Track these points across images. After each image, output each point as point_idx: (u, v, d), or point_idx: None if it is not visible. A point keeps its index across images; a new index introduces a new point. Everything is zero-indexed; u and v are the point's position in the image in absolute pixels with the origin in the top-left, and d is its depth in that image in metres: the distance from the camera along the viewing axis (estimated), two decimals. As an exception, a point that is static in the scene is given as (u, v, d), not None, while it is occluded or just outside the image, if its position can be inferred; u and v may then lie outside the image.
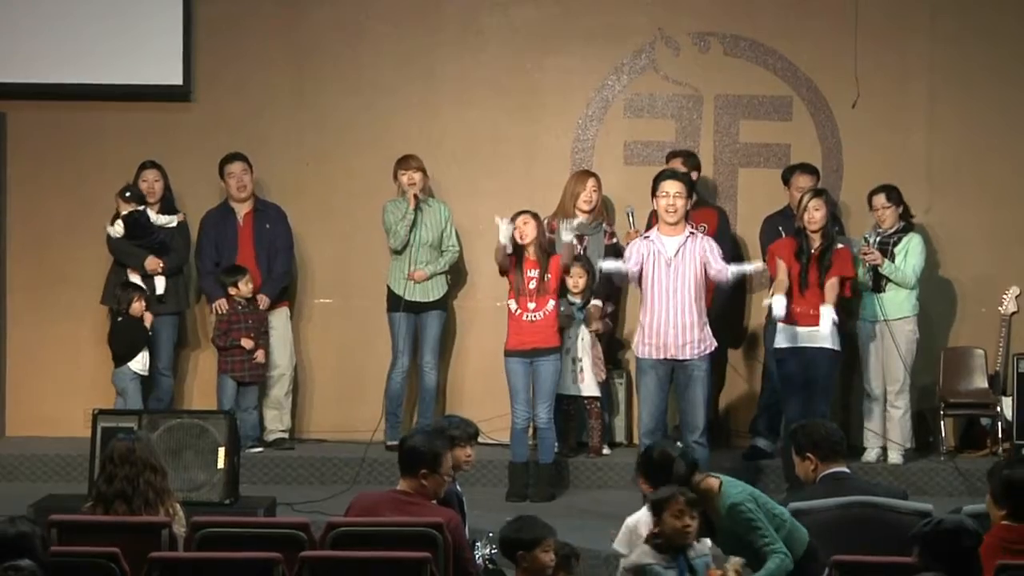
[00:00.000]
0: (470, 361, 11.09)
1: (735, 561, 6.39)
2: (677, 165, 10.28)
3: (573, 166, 10.98)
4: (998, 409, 10.64)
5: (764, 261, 10.01)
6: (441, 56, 11.16)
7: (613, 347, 10.87)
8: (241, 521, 6.94)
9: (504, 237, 9.78)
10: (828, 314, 9.47)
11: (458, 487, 7.17)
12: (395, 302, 10.58)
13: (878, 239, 10.36)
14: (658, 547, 6.25)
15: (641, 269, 9.26)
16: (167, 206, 10.79)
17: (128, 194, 10.55)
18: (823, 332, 9.53)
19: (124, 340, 10.43)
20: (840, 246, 9.78)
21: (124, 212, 10.52)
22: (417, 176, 10.56)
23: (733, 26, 11.08)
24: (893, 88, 11.05)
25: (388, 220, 10.58)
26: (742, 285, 10.93)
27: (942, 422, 10.66)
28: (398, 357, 10.60)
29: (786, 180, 10.61)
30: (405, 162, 10.60)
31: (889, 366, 10.36)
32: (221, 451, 8.93)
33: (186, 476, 8.80)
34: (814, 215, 9.65)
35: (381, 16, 11.17)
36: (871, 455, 10.40)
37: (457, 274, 11.00)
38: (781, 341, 9.77)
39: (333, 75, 11.17)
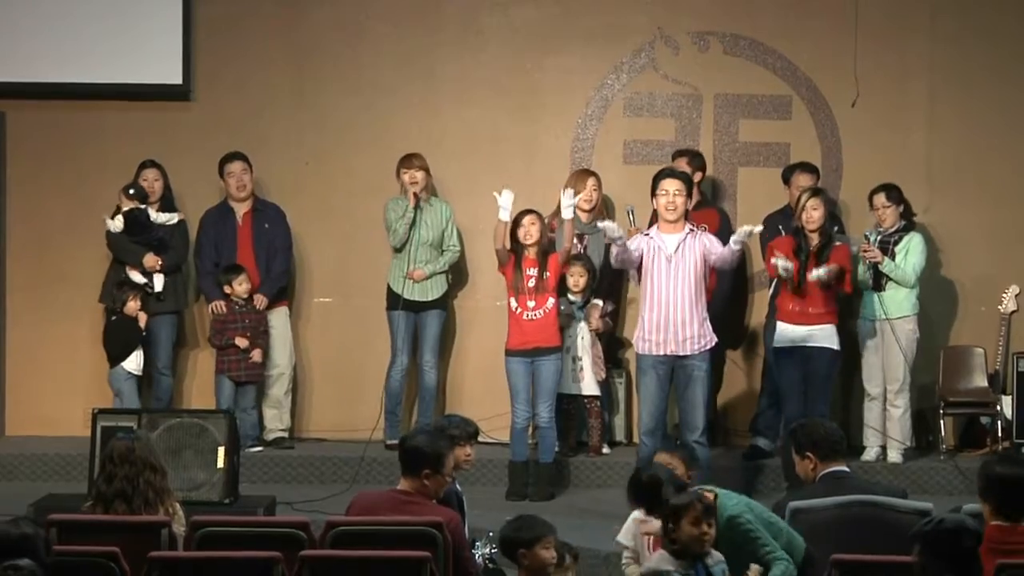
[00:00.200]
0: (470, 360, 11.09)
1: (755, 569, 6.39)
2: (682, 165, 10.28)
3: (573, 165, 10.98)
4: (998, 408, 10.64)
5: (764, 260, 10.04)
6: (441, 56, 11.17)
7: (613, 346, 10.88)
8: (241, 520, 6.93)
9: (504, 213, 9.76)
10: (818, 270, 9.49)
11: (458, 486, 7.17)
12: (394, 300, 10.58)
13: (879, 238, 10.36)
14: (676, 553, 6.21)
15: (641, 260, 9.25)
16: (166, 205, 10.79)
17: (131, 191, 10.57)
18: (817, 328, 9.56)
19: (118, 340, 10.43)
20: (838, 244, 9.79)
21: (125, 208, 10.54)
22: (419, 175, 10.56)
23: (733, 25, 11.09)
24: (893, 88, 11.05)
25: (389, 218, 10.59)
26: (743, 285, 10.95)
27: (942, 421, 10.66)
28: (397, 356, 10.61)
29: (786, 179, 10.62)
30: (408, 160, 10.60)
31: (889, 365, 10.36)
32: (221, 450, 8.93)
33: (186, 475, 8.80)
34: (812, 214, 9.66)
35: (381, 16, 11.17)
36: (871, 454, 10.40)
37: (457, 273, 11.00)
38: (780, 340, 9.78)
39: (333, 75, 11.17)
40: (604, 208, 10.70)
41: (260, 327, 10.66)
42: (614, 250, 9.29)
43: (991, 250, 11.02)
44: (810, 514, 6.70)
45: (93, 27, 11.00)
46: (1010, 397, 10.64)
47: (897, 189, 10.41)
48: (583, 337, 10.34)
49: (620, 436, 10.91)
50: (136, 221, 10.53)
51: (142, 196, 10.61)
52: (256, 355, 10.56)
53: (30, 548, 5.16)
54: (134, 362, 10.44)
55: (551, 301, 9.91)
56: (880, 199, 10.38)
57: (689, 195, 9.43)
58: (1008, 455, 7.50)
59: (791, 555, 6.56)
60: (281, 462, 10.49)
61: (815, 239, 9.67)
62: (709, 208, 10.54)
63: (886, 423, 10.42)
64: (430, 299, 10.64)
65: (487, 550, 7.09)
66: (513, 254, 9.89)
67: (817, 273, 9.55)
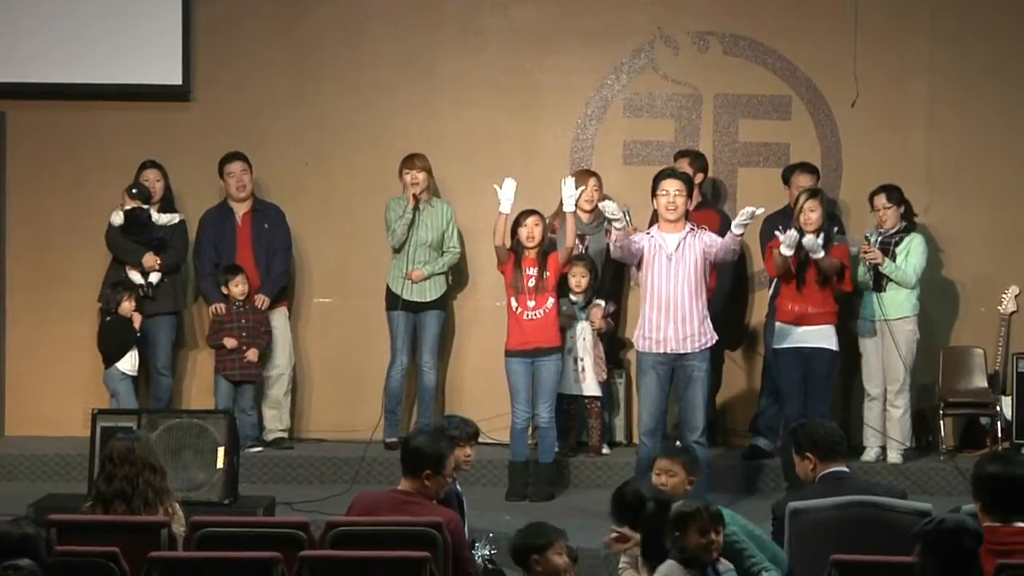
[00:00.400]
0: (470, 360, 11.10)
1: None
2: (684, 165, 10.28)
3: (572, 165, 10.98)
4: (997, 408, 10.65)
5: (763, 260, 10.04)
6: (441, 56, 11.17)
7: (614, 346, 10.87)
8: (240, 521, 6.92)
9: (506, 205, 9.75)
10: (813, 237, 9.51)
11: (458, 487, 7.16)
12: (393, 301, 10.58)
13: (879, 239, 10.36)
14: (684, 562, 6.13)
15: (642, 257, 9.25)
16: (167, 206, 10.80)
17: (134, 191, 10.58)
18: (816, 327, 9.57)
19: (112, 340, 10.43)
20: (836, 243, 9.79)
21: (127, 207, 10.54)
22: (420, 176, 10.56)
23: (733, 26, 11.09)
24: (893, 88, 11.05)
25: (389, 217, 10.59)
26: (743, 284, 10.95)
27: (941, 421, 10.66)
28: (396, 355, 10.61)
29: (786, 179, 10.61)
30: (410, 161, 10.60)
31: (889, 365, 10.36)
32: (220, 451, 8.93)
33: (185, 476, 8.79)
34: (810, 216, 9.66)
35: (381, 16, 11.17)
36: (871, 454, 10.40)
37: (457, 274, 11.00)
38: (780, 341, 9.79)
39: (333, 75, 11.17)
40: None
41: (260, 327, 10.66)
42: (613, 235, 9.28)
43: (991, 250, 11.02)
44: (810, 514, 6.68)
45: (93, 27, 11.00)
46: (1010, 398, 10.64)
47: (898, 190, 10.41)
48: (585, 338, 10.34)
49: (620, 436, 10.91)
50: (137, 220, 10.54)
51: (145, 196, 10.62)
52: (251, 354, 10.55)
53: (31, 548, 5.16)
54: (129, 362, 10.44)
55: (551, 301, 9.91)
56: (881, 200, 10.38)
57: (690, 195, 9.43)
58: (1001, 454, 7.48)
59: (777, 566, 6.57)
60: (281, 462, 10.49)
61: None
62: (709, 209, 10.54)
63: (886, 423, 10.43)
64: (429, 299, 10.64)
65: (487, 551, 7.09)
66: (513, 253, 9.89)
67: (811, 239, 9.49)
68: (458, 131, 11.13)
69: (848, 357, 10.35)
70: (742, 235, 9.19)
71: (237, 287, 10.57)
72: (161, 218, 10.67)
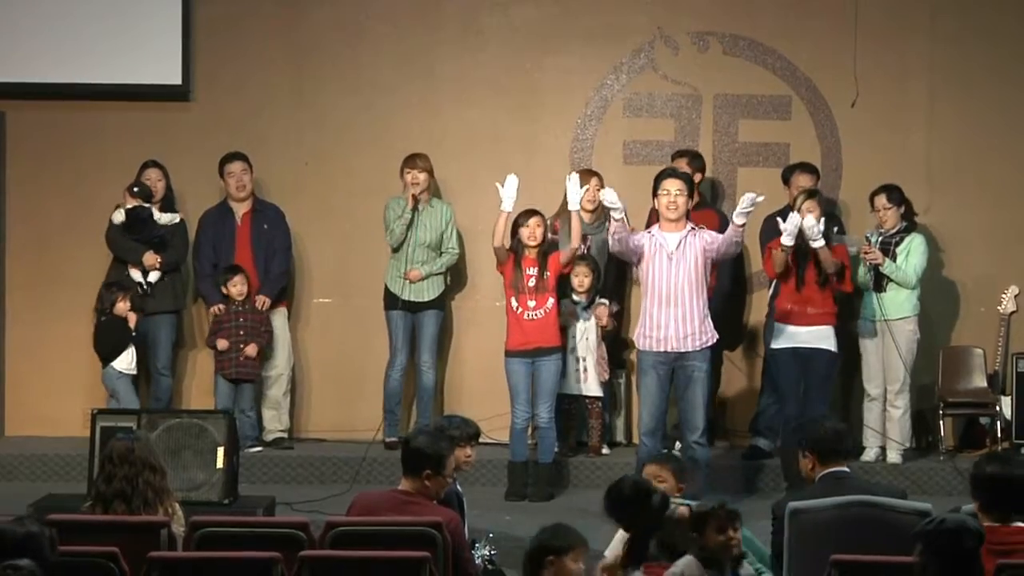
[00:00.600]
0: (469, 360, 11.09)
1: None
2: (682, 165, 10.28)
3: (572, 165, 10.97)
4: (997, 408, 10.64)
5: (763, 260, 10.04)
6: (441, 56, 11.17)
7: (617, 346, 10.86)
8: (240, 521, 6.92)
9: (508, 203, 9.74)
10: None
11: (458, 487, 7.17)
12: (391, 300, 10.58)
13: (880, 239, 10.36)
14: (705, 562, 6.01)
15: (642, 255, 9.25)
16: (167, 205, 10.80)
17: (136, 189, 10.58)
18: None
19: (107, 340, 10.42)
20: (835, 244, 9.79)
21: (129, 206, 10.55)
22: (421, 176, 10.55)
23: (732, 26, 11.08)
24: (893, 88, 11.05)
25: (388, 217, 10.59)
26: (741, 284, 10.95)
27: (941, 421, 10.66)
28: (395, 355, 10.61)
29: (786, 179, 10.61)
30: (412, 161, 10.59)
31: (889, 366, 10.36)
32: (220, 451, 8.92)
33: (185, 476, 8.79)
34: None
35: (381, 16, 11.17)
36: (870, 454, 10.40)
37: (456, 273, 11.00)
38: (779, 341, 9.79)
39: (333, 75, 11.17)
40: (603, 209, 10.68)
41: (261, 327, 10.65)
42: (612, 226, 9.28)
43: (991, 250, 11.02)
44: (810, 514, 6.69)
45: (93, 27, 11.00)
46: (1009, 397, 10.64)
47: (898, 190, 10.40)
48: (588, 337, 10.33)
49: (620, 436, 10.91)
50: (138, 218, 10.54)
51: (146, 195, 10.62)
52: (250, 349, 10.54)
53: (35, 547, 5.15)
54: (124, 361, 10.42)
55: (551, 301, 9.91)
56: (881, 200, 10.38)
57: (691, 195, 9.43)
58: (999, 455, 7.49)
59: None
60: (281, 462, 10.49)
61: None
62: (708, 209, 10.53)
63: (886, 423, 10.42)
64: (426, 299, 10.64)
65: (487, 551, 7.09)
66: (512, 254, 9.89)
67: (811, 220, 9.46)
68: (458, 131, 11.13)
69: (848, 357, 10.35)
70: (744, 226, 9.18)
71: (236, 287, 10.57)
72: (163, 217, 10.67)
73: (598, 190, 10.47)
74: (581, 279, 10.26)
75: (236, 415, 9.87)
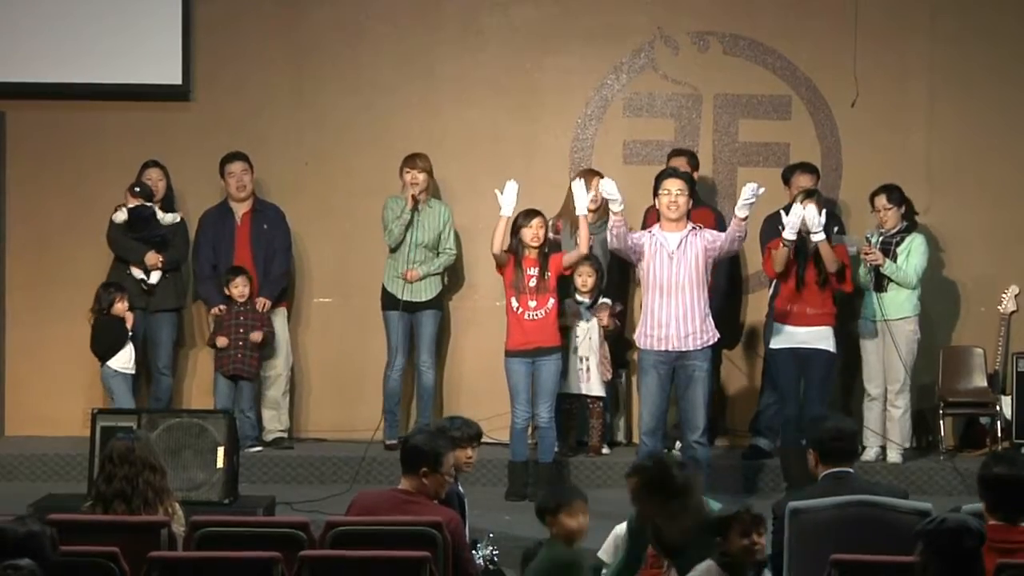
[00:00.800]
0: (469, 360, 11.09)
1: None
2: (682, 164, 10.27)
3: (572, 165, 10.98)
4: (997, 408, 10.65)
5: (762, 261, 10.05)
6: (441, 56, 11.16)
7: (620, 346, 10.85)
8: (240, 520, 6.92)
9: (508, 209, 9.74)
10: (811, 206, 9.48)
11: (460, 487, 7.17)
12: (389, 301, 10.58)
13: (880, 239, 10.36)
14: (726, 567, 5.92)
15: (642, 254, 9.25)
16: (167, 205, 10.80)
17: (137, 189, 10.59)
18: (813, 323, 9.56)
19: (103, 339, 10.40)
20: (834, 244, 9.79)
21: (131, 205, 10.55)
22: (421, 176, 10.55)
23: (732, 25, 11.09)
24: (893, 88, 11.05)
25: (386, 216, 10.58)
26: (739, 284, 10.95)
27: (941, 421, 10.66)
28: (393, 356, 10.60)
29: (786, 179, 10.60)
30: (411, 161, 10.59)
31: (889, 366, 10.36)
32: (220, 450, 8.93)
33: (185, 475, 8.80)
34: (806, 218, 9.66)
35: (381, 16, 11.17)
36: (870, 454, 10.40)
37: (456, 274, 11.00)
38: (778, 341, 9.79)
39: (333, 75, 11.17)
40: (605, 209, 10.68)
41: (261, 326, 10.64)
42: (611, 219, 9.27)
43: (991, 250, 11.02)
44: (810, 514, 6.68)
45: (93, 27, 11.00)
46: (1010, 397, 10.64)
47: (898, 190, 10.40)
48: (591, 337, 10.33)
49: (620, 436, 10.91)
50: (140, 217, 10.55)
51: (147, 194, 10.63)
52: (255, 335, 10.52)
53: (36, 546, 5.15)
54: (121, 359, 10.41)
55: (552, 301, 9.91)
56: (881, 200, 10.38)
57: (691, 195, 9.43)
58: (1006, 455, 7.47)
59: None
60: (281, 462, 10.49)
61: (812, 240, 9.66)
62: (703, 207, 10.51)
63: (886, 423, 10.43)
64: (424, 299, 10.63)
65: (488, 551, 7.09)
66: (513, 254, 9.89)
67: (812, 210, 9.45)
68: (458, 131, 11.13)
69: (849, 357, 10.35)
70: (746, 219, 9.17)
71: (238, 288, 10.57)
72: (166, 217, 10.67)
73: (598, 187, 10.49)
74: (584, 279, 10.26)
75: (236, 415, 9.87)
